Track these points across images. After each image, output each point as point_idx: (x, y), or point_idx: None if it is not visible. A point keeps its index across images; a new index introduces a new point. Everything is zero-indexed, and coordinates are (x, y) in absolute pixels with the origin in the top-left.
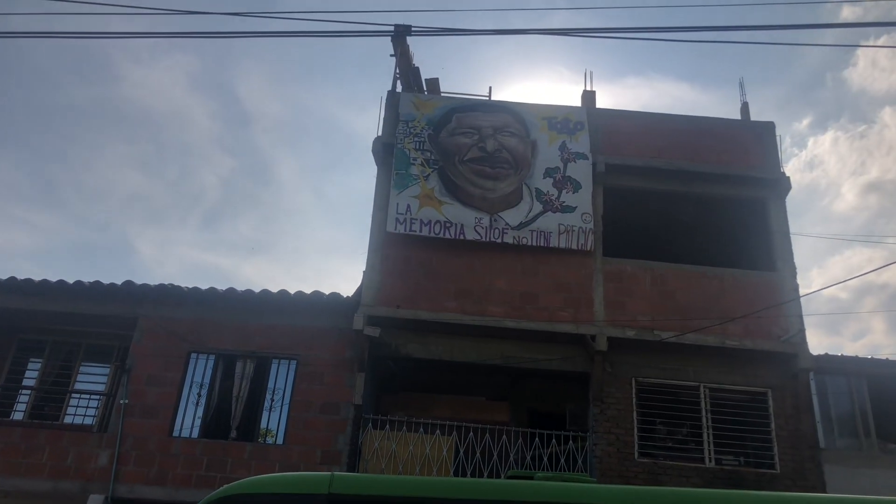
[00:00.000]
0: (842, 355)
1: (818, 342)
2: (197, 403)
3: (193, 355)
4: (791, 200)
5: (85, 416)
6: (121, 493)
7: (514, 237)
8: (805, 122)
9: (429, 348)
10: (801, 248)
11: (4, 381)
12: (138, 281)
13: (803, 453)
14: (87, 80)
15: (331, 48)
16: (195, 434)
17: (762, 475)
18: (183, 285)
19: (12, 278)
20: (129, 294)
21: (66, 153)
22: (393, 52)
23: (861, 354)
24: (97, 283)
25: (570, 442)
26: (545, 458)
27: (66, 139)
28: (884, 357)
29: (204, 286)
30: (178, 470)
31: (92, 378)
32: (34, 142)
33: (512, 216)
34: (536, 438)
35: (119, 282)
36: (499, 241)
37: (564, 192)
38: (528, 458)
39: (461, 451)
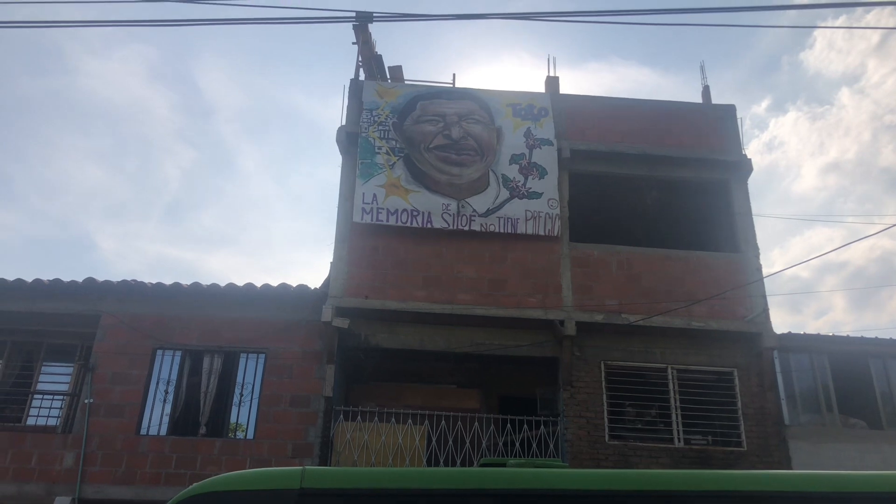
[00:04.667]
0: (804, 333)
1: (781, 321)
2: (164, 400)
3: (159, 352)
4: (752, 182)
5: (49, 416)
6: (88, 493)
7: (481, 224)
8: (764, 104)
9: (398, 338)
10: (763, 230)
11: None
12: (100, 277)
13: (768, 430)
14: (40, 71)
15: (292, 37)
16: (163, 431)
17: (729, 453)
18: (146, 281)
19: None
20: (90, 291)
21: (21, 147)
22: (355, 40)
23: (823, 332)
24: (57, 280)
25: (542, 427)
26: (517, 444)
27: (21, 133)
28: (844, 334)
29: (168, 281)
30: (146, 468)
31: (55, 378)
32: None
33: (479, 202)
34: (508, 424)
35: (80, 279)
36: (466, 228)
37: (531, 178)
38: (501, 444)
39: (433, 440)
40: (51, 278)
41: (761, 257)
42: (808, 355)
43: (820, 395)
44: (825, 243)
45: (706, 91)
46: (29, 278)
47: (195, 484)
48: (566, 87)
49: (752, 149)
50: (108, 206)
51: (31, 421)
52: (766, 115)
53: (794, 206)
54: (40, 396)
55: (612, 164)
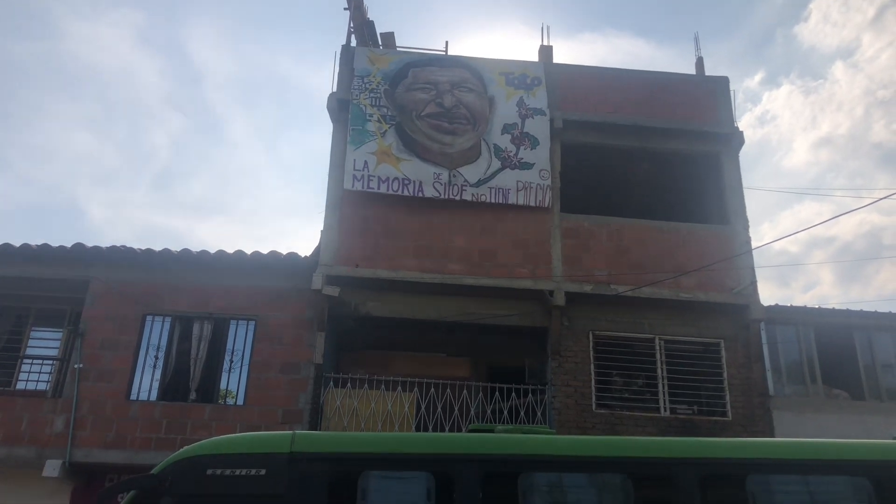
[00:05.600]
0: (791, 306)
1: (769, 294)
2: (154, 366)
3: (149, 318)
4: (743, 156)
5: (38, 381)
6: (78, 457)
7: (472, 194)
8: (757, 77)
9: (389, 306)
10: (753, 203)
11: None
12: (89, 244)
13: (754, 401)
14: (26, 35)
15: (282, 1)
16: (153, 397)
17: (715, 423)
18: (136, 247)
19: None
20: (79, 257)
21: (9, 112)
22: (347, 6)
23: (810, 305)
24: (45, 245)
25: (530, 395)
26: (505, 412)
27: (7, 97)
28: (830, 307)
29: (158, 248)
30: (136, 433)
31: (44, 343)
32: None
33: (470, 172)
34: (497, 393)
35: (69, 244)
36: (457, 198)
37: (522, 148)
38: (489, 412)
39: (422, 407)
40: (39, 243)
41: (751, 231)
42: (794, 328)
43: (805, 367)
44: (814, 218)
45: (700, 63)
46: (16, 244)
47: (186, 447)
48: (560, 58)
49: (745, 122)
50: (97, 172)
51: (20, 385)
52: (760, 88)
53: (785, 181)
54: (30, 361)
55: (604, 135)
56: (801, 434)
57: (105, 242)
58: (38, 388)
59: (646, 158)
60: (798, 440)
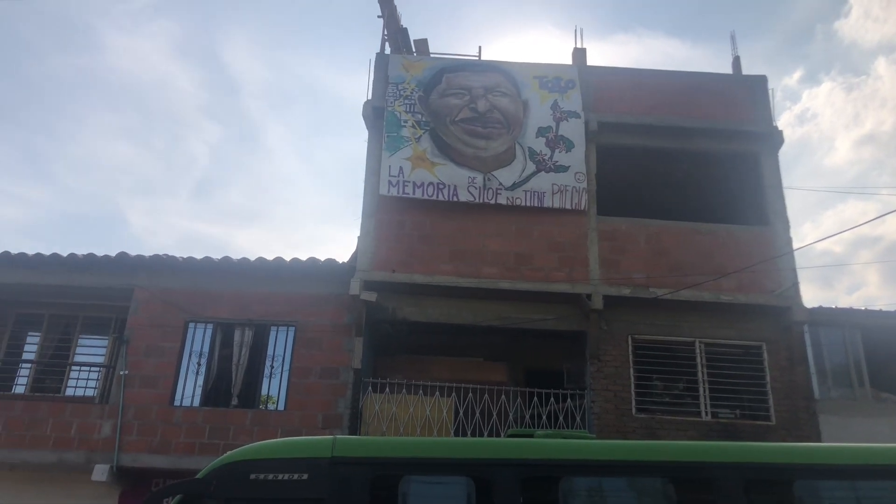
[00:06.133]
0: (835, 308)
1: (812, 296)
2: (197, 372)
3: (191, 325)
4: (782, 155)
5: (86, 387)
6: (125, 462)
7: (507, 198)
8: (796, 75)
9: (425, 311)
10: (794, 203)
11: (4, 356)
12: (132, 252)
13: (798, 404)
14: (69, 50)
15: (316, 11)
16: (196, 402)
17: (758, 427)
18: (178, 255)
19: (6, 253)
20: (123, 265)
21: (52, 125)
22: (380, 13)
23: (855, 307)
24: (91, 255)
25: (568, 400)
26: (544, 417)
27: (52, 111)
28: (878, 308)
29: (198, 256)
30: (180, 438)
31: (91, 350)
32: (20, 115)
33: (505, 176)
34: (535, 397)
35: (113, 253)
36: (492, 201)
37: (557, 151)
38: (527, 417)
39: (460, 412)
40: (85, 253)
41: (792, 231)
42: (839, 330)
43: (851, 370)
44: (858, 217)
45: (736, 62)
46: (64, 253)
47: (229, 452)
48: (593, 60)
49: (784, 121)
50: (138, 182)
51: (69, 391)
52: (799, 86)
53: (827, 180)
54: (77, 368)
55: (640, 136)
56: (848, 438)
57: (146, 250)
58: (86, 394)
59: (683, 159)
60: (846, 444)
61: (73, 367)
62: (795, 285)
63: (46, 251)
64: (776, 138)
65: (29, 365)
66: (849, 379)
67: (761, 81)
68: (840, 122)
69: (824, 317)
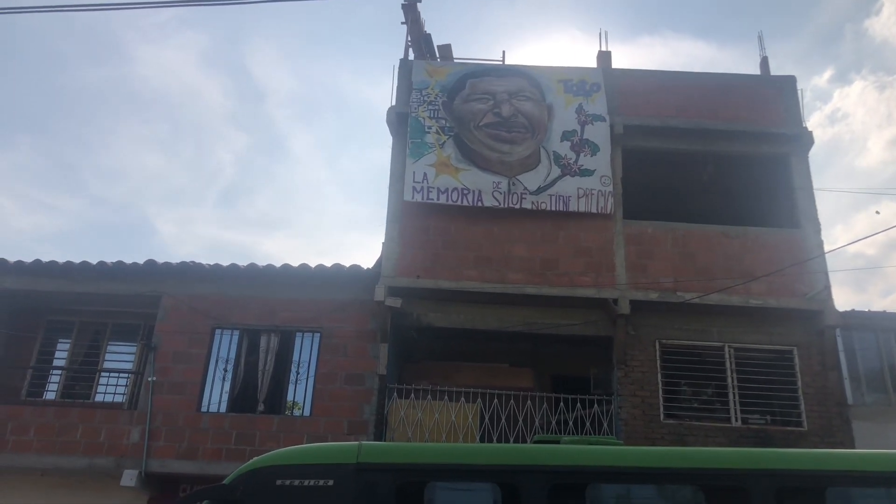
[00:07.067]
0: (869, 311)
1: (845, 300)
2: (223, 378)
3: (218, 331)
4: (813, 156)
5: (115, 393)
6: (153, 468)
7: (532, 202)
8: (826, 75)
9: (450, 317)
10: (825, 205)
11: (35, 362)
12: (160, 260)
13: (831, 410)
14: (99, 61)
15: (340, 19)
16: (223, 409)
17: (789, 433)
18: (204, 262)
19: (37, 261)
20: (151, 273)
21: (83, 135)
22: (404, 20)
23: (890, 311)
24: (119, 262)
25: (595, 406)
26: (570, 423)
27: (82, 121)
28: None
29: (225, 263)
30: (207, 444)
31: (120, 357)
32: (51, 125)
33: (530, 180)
34: (561, 403)
35: (141, 261)
36: (517, 206)
37: (582, 155)
38: (554, 422)
39: (486, 418)
40: (114, 261)
41: (823, 233)
42: (873, 334)
43: (886, 375)
44: (893, 219)
45: (764, 62)
46: (94, 261)
47: (255, 458)
48: (618, 63)
49: (814, 121)
50: (166, 191)
51: (98, 397)
52: (829, 86)
53: (859, 181)
54: (107, 374)
55: (666, 139)
56: (882, 445)
57: (174, 258)
58: (115, 400)
59: (711, 162)
60: (880, 451)
61: (103, 374)
62: (827, 288)
63: (77, 259)
64: (806, 139)
65: (59, 371)
66: (883, 384)
67: (790, 82)
68: (873, 122)
69: (857, 320)
